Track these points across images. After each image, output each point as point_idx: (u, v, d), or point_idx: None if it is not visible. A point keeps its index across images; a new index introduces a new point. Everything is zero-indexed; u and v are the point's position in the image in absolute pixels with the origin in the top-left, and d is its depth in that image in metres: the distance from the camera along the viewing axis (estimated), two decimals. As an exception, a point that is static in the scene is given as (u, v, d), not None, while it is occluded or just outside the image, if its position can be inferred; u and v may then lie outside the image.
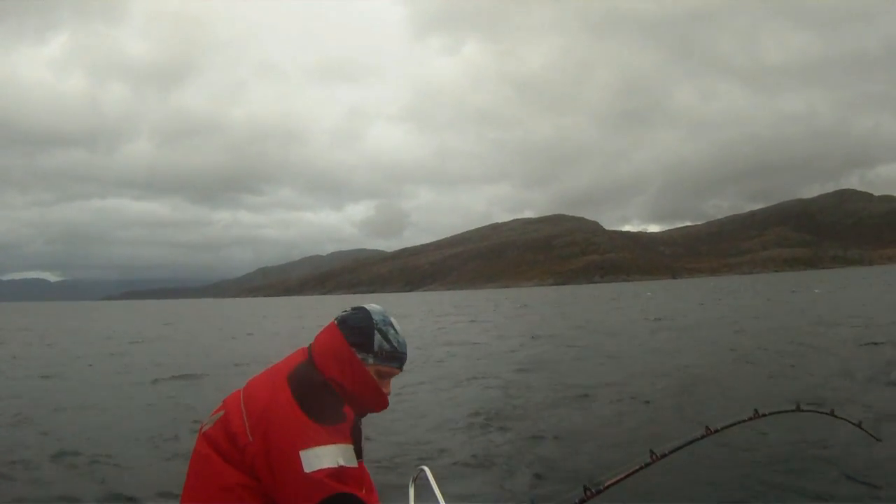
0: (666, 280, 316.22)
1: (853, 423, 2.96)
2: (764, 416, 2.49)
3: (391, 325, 1.93)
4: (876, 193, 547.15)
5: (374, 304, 1.99)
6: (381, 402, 1.92)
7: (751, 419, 2.46)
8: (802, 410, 2.68)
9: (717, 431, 2.38)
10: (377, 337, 1.87)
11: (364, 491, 1.71)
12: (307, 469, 1.61)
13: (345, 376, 1.83)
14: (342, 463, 1.65)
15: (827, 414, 2.75)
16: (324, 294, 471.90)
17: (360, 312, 1.92)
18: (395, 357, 1.92)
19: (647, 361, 13.99)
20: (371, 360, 1.87)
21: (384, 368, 1.90)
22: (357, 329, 1.87)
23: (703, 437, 2.33)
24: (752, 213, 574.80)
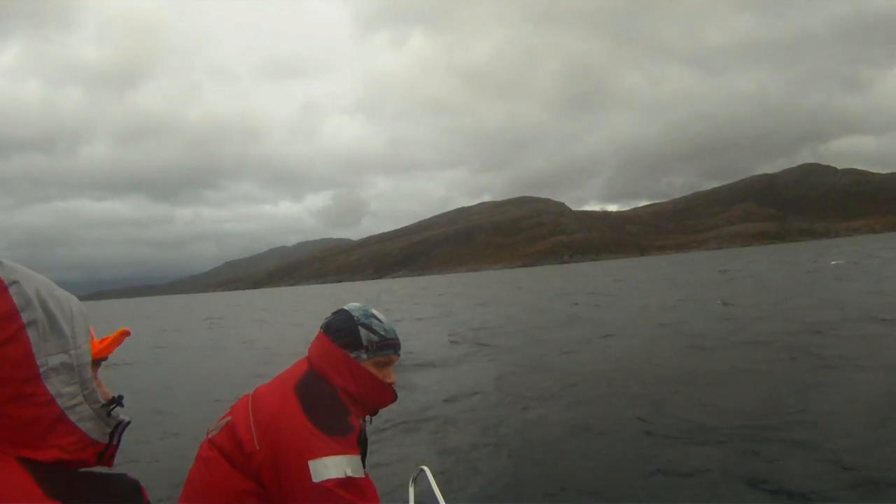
0: (634, 258, 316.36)
1: None
2: None
3: (373, 316, 1.98)
4: (838, 167, 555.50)
5: (352, 302, 2.03)
6: (386, 395, 1.96)
7: None
8: None
9: None
10: (363, 332, 1.93)
11: (369, 502, 1.72)
12: (315, 478, 1.63)
13: (346, 379, 1.87)
14: (350, 473, 1.67)
15: None
16: (292, 285, 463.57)
17: (341, 314, 1.97)
18: (386, 345, 1.97)
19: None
20: (365, 356, 1.92)
21: (381, 358, 1.95)
22: (342, 331, 1.93)
23: None
24: (718, 190, 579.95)
